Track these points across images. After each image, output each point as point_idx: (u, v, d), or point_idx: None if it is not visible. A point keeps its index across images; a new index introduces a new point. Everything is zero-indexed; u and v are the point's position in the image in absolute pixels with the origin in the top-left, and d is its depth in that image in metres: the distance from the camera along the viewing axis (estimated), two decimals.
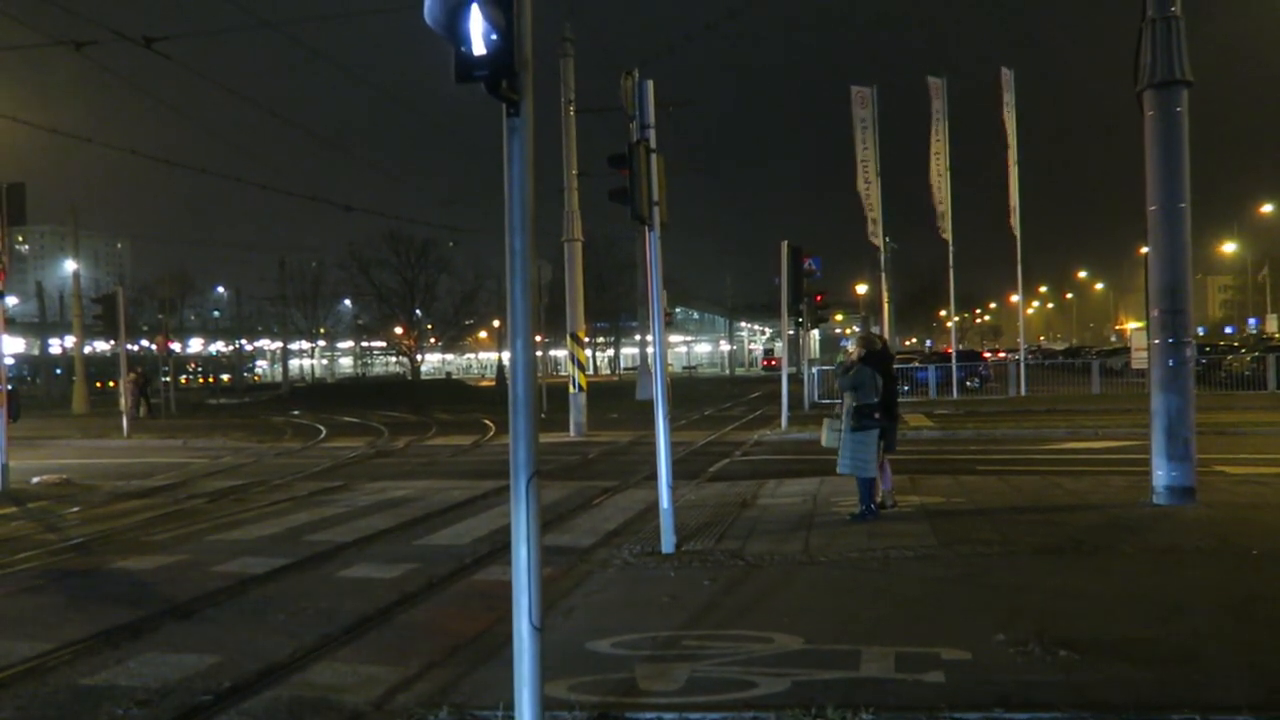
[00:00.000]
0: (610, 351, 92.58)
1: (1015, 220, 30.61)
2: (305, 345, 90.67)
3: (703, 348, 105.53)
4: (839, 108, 30.90)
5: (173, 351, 46.60)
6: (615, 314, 76.19)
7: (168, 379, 40.02)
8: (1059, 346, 78.52)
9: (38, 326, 70.75)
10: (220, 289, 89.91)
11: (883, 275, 35.90)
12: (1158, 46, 9.23)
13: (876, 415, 9.17)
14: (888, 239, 33.89)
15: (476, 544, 9.10)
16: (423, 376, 74.34)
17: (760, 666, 5.09)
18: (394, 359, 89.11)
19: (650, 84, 8.25)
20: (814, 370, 32.05)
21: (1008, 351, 54.45)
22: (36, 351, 71.25)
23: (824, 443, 9.69)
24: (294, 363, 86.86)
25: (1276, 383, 27.74)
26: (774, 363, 65.88)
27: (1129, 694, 4.61)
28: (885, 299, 37.15)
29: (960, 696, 4.61)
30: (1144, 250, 9.76)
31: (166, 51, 14.34)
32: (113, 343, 30.47)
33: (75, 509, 12.33)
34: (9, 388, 14.23)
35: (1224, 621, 5.72)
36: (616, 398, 37.06)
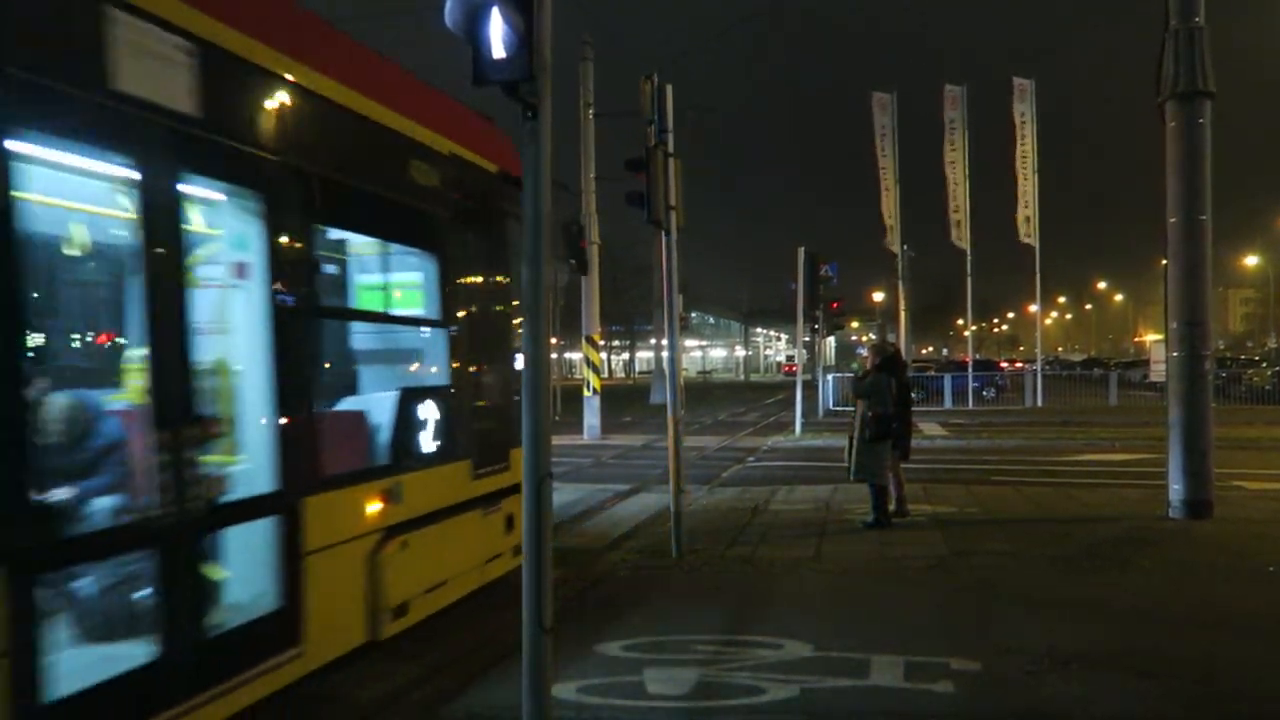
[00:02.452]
0: (625, 355, 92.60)
1: (1034, 229, 30.42)
2: None
3: (718, 352, 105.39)
4: (859, 114, 30.86)
5: None
6: (631, 318, 76.12)
7: None
8: (1077, 357, 77.93)
9: None
10: None
11: (900, 283, 35.78)
12: (1180, 57, 9.15)
13: (893, 424, 9.14)
14: (905, 246, 33.75)
15: None
16: None
17: (769, 673, 5.08)
18: None
19: (669, 88, 8.26)
20: (829, 377, 31.96)
21: (1025, 362, 54.14)
22: None
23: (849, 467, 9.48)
24: None
25: None
26: (794, 368, 65.72)
27: (1139, 710, 4.59)
28: (902, 307, 37.00)
29: (969, 707, 4.59)
30: (1164, 262, 9.68)
31: None
32: None
33: None
34: None
35: (1238, 638, 5.67)
36: (631, 401, 37.07)
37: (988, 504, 10.52)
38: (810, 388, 30.86)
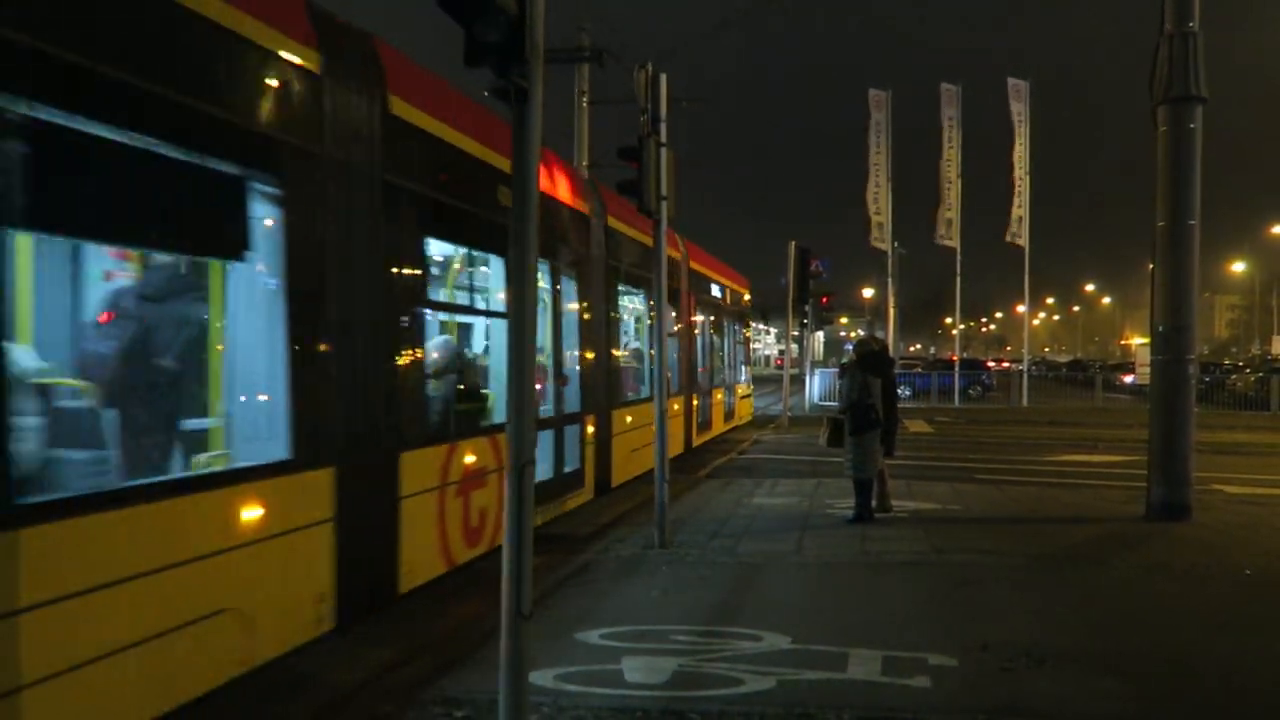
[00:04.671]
0: None
1: (1025, 230, 30.52)
2: None
3: None
4: (852, 110, 30.88)
5: None
6: None
7: None
8: (1062, 359, 78.29)
9: None
10: None
11: (889, 280, 35.83)
12: (1174, 61, 9.18)
13: (873, 417, 9.16)
14: (896, 244, 33.78)
15: None
16: None
17: (747, 664, 5.10)
18: None
19: (663, 78, 8.21)
20: (817, 371, 32.01)
21: (1012, 362, 54.38)
22: None
23: (821, 442, 9.69)
24: None
25: (1279, 403, 27.65)
26: (783, 362, 65.55)
27: (1114, 707, 4.62)
28: (891, 304, 37.05)
29: (946, 702, 4.61)
30: (1151, 266, 9.73)
31: None
32: None
33: None
34: None
35: (1213, 638, 5.72)
36: None
37: (970, 502, 10.56)
38: (798, 382, 30.92)
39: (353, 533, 5.35)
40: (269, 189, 4.88)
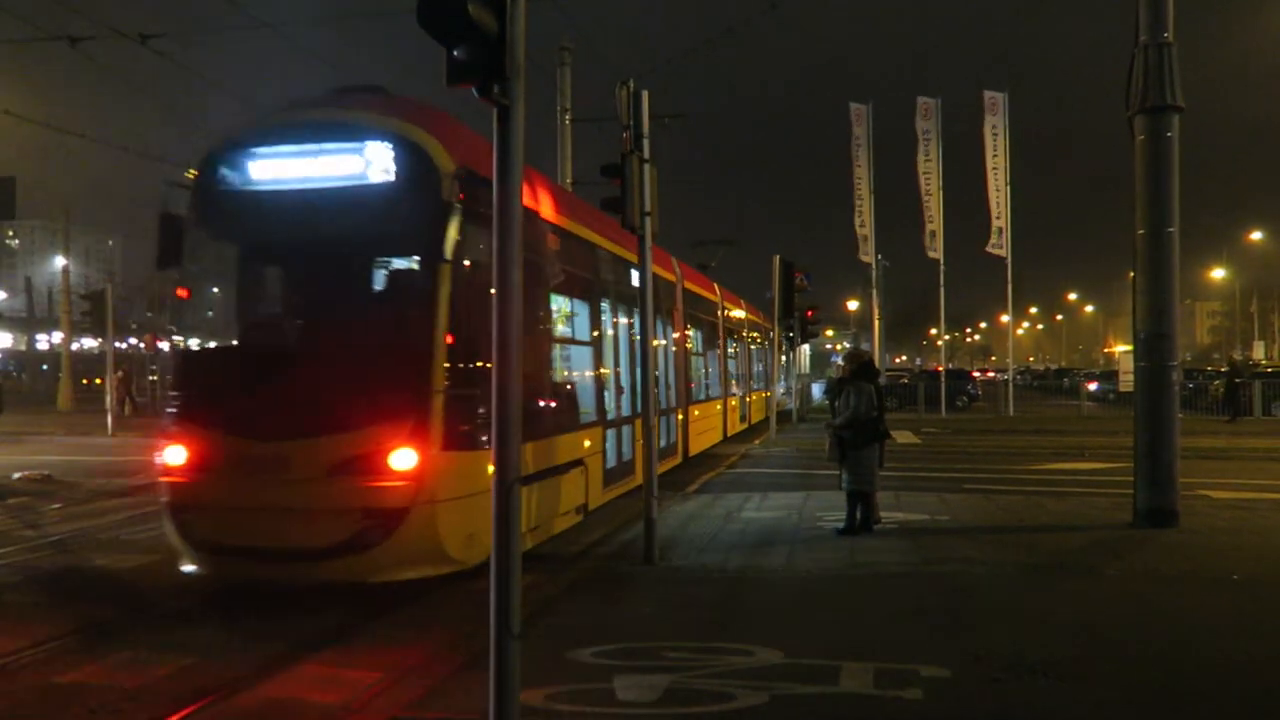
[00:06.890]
0: None
1: (1006, 241, 30.69)
2: None
3: None
4: (835, 124, 31.13)
5: (162, 350, 46.37)
6: None
7: (155, 378, 39.77)
8: (1044, 368, 78.75)
9: (25, 322, 70.03)
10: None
11: (874, 292, 35.99)
12: (1150, 72, 9.28)
13: (881, 430, 9.18)
14: (879, 256, 33.94)
15: None
16: None
17: (740, 679, 5.07)
18: None
19: (645, 95, 8.24)
20: (803, 385, 32.06)
21: (996, 371, 54.67)
22: (24, 347, 70.63)
23: (827, 456, 9.60)
24: None
25: (1262, 408, 27.84)
26: None
27: (1107, 716, 4.62)
28: (876, 316, 37.19)
29: (938, 714, 4.60)
30: (1132, 274, 9.79)
31: (162, 49, 14.31)
32: (100, 340, 30.28)
33: (56, 505, 12.24)
34: None
35: (1203, 645, 5.73)
36: None
37: (959, 512, 10.58)
38: (785, 395, 30.99)
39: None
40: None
